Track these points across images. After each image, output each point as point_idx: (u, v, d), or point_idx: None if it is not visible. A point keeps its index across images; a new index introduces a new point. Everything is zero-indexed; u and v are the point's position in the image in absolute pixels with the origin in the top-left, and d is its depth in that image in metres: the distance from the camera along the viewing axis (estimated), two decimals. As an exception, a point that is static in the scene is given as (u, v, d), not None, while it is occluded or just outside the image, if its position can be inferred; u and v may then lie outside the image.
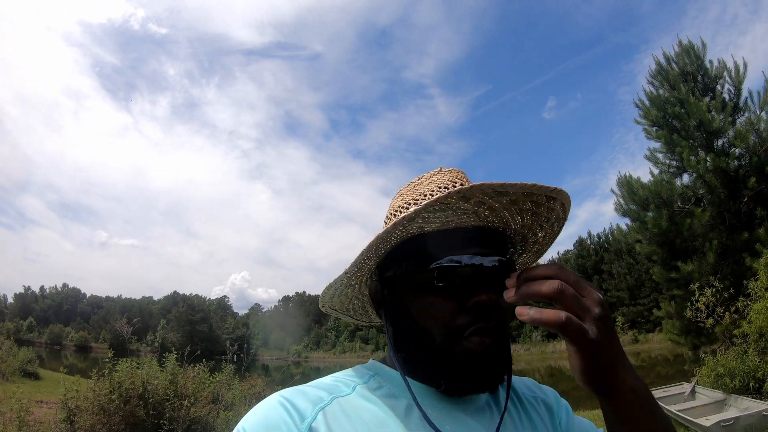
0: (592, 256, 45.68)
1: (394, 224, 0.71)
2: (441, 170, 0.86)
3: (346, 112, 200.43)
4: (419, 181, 0.86)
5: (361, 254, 0.77)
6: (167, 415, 6.66)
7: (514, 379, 0.94)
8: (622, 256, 38.09)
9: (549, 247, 0.91)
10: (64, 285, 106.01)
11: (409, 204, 0.82)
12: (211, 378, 8.06)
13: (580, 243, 49.41)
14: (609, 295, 40.72)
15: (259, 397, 9.41)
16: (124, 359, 7.19)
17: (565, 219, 0.82)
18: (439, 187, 0.81)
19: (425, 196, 0.81)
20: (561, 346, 42.39)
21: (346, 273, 0.81)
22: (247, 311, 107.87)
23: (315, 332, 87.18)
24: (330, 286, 0.86)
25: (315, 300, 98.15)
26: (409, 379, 0.77)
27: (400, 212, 0.82)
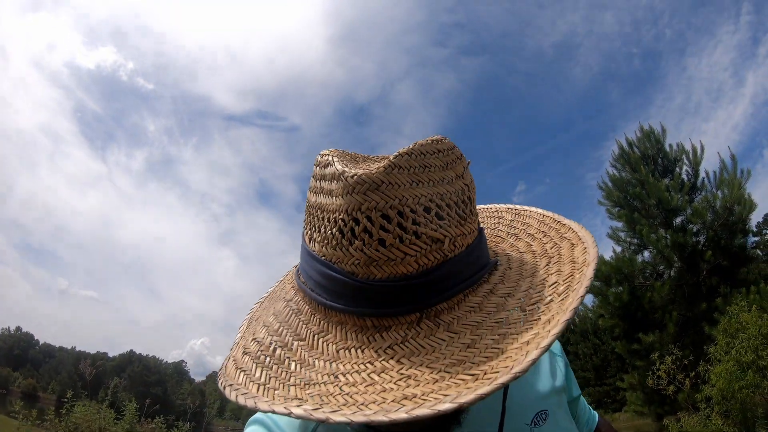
0: (559, 338, 45.92)
1: None
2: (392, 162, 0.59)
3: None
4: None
5: None
6: None
7: None
8: (588, 336, 38.42)
9: None
10: (18, 328, 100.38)
11: None
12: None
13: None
14: (576, 375, 40.68)
15: None
16: (81, 402, 7.07)
17: None
18: None
19: None
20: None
21: None
22: (204, 378, 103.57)
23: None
24: None
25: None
26: None
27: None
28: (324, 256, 0.60)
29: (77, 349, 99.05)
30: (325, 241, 0.59)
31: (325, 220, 0.60)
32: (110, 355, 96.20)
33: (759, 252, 12.46)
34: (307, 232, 0.66)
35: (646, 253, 12.51)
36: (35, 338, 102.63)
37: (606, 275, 12.44)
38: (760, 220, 50.60)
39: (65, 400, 6.83)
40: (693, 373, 9.58)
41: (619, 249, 13.21)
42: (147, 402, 8.51)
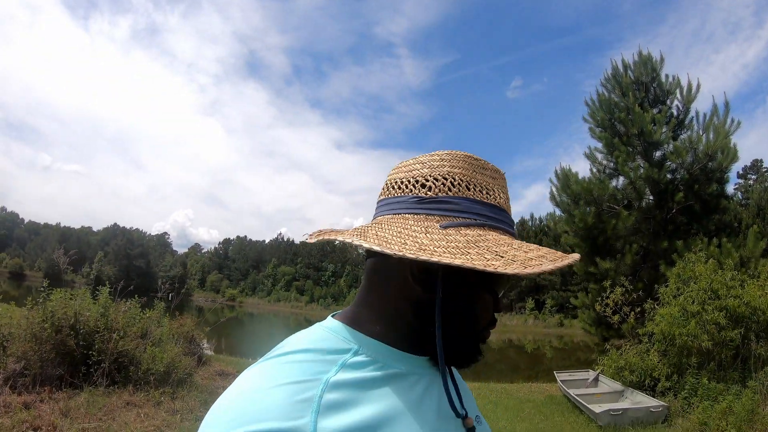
0: (531, 239, 46.99)
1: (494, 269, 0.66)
2: (494, 170, 0.84)
3: (311, 59, 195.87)
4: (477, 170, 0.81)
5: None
6: (96, 346, 6.71)
7: None
8: (559, 242, 39.31)
9: None
10: (2, 208, 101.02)
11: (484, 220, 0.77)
12: (141, 314, 8.13)
13: (521, 224, 50.67)
14: (541, 278, 42.23)
15: (187, 336, 9.50)
16: (59, 289, 7.16)
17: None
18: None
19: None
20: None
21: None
22: (186, 250, 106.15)
23: (252, 278, 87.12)
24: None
25: (255, 245, 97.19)
26: (393, 350, 0.74)
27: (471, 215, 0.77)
28: (501, 204, 0.81)
29: (62, 224, 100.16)
30: (502, 198, 0.82)
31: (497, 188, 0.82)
32: (94, 229, 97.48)
33: (730, 203, 12.36)
34: (487, 195, 0.80)
35: (620, 179, 12.28)
36: (20, 217, 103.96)
37: (576, 194, 12.36)
38: (748, 164, 50.38)
39: (41, 289, 6.88)
40: (638, 309, 9.78)
41: (594, 170, 13.08)
42: (121, 284, 8.52)
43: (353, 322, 0.76)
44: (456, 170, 0.79)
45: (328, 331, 0.74)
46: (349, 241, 0.72)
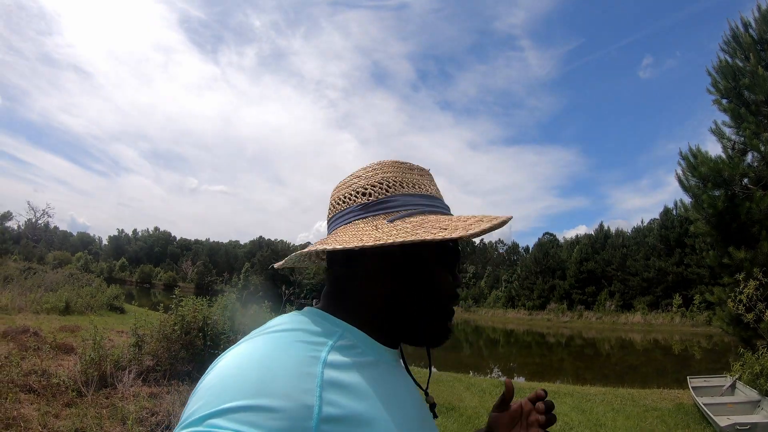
0: (677, 228, 42.85)
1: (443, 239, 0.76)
2: (421, 172, 0.94)
3: (434, 62, 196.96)
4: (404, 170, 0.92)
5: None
6: (222, 346, 7.44)
7: None
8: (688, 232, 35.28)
9: None
10: (156, 228, 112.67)
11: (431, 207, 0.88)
12: (268, 317, 8.63)
13: (665, 213, 46.35)
14: (689, 271, 38.40)
15: None
16: (192, 297, 8.26)
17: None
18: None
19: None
20: (634, 318, 40.91)
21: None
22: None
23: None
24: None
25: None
26: (369, 338, 0.80)
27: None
28: (433, 194, 0.90)
29: (211, 240, 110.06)
30: (433, 189, 0.92)
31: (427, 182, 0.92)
32: (241, 242, 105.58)
33: None
34: (419, 189, 0.89)
35: (753, 156, 10.67)
36: (172, 235, 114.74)
37: (704, 176, 10.94)
38: None
39: (173, 297, 8.05)
40: (775, 305, 8.32)
41: (721, 147, 11.48)
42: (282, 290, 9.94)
43: (331, 312, 0.81)
44: (388, 174, 0.88)
45: (311, 315, 0.78)
46: (314, 249, 0.80)
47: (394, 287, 0.82)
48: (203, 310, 7.82)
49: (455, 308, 0.87)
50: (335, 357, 0.68)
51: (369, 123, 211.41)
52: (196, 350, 7.50)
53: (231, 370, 0.61)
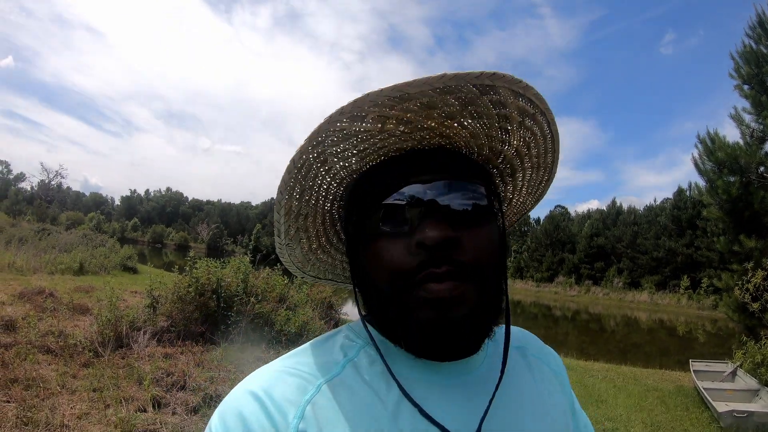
0: (689, 210, 42.39)
1: (287, 170, 0.64)
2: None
3: (452, 27, 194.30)
4: None
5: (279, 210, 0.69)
6: (235, 308, 7.72)
7: (518, 333, 0.82)
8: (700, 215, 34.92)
9: (546, 169, 0.75)
10: (168, 189, 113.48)
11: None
12: (281, 280, 8.98)
13: (679, 193, 45.82)
14: (699, 253, 38.14)
15: (325, 302, 10.54)
16: (206, 259, 8.34)
17: (545, 116, 0.65)
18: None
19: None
20: (641, 296, 40.89)
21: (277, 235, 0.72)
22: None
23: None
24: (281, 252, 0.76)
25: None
26: (389, 346, 0.67)
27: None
28: None
29: (223, 200, 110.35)
30: None
31: None
32: (253, 203, 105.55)
33: None
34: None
35: (768, 144, 10.54)
36: (184, 195, 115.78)
37: (720, 161, 10.83)
38: None
39: (188, 258, 8.16)
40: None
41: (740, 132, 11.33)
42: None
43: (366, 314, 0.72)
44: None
45: (351, 329, 0.72)
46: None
47: (357, 287, 0.71)
48: (217, 272, 7.91)
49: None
50: (339, 383, 0.63)
51: (384, 84, 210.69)
52: (210, 312, 7.62)
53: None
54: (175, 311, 7.45)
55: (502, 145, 0.68)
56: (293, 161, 0.63)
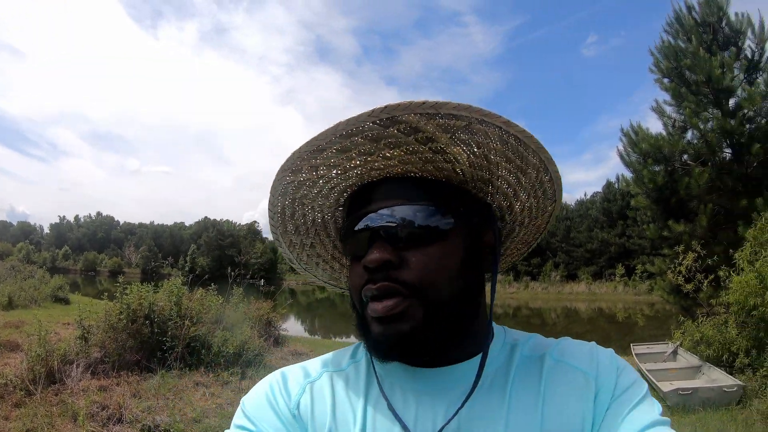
0: (618, 201, 44.27)
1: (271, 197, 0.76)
2: None
3: (378, 37, 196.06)
4: None
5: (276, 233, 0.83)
6: (170, 333, 7.42)
7: (542, 341, 0.80)
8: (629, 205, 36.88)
9: (524, 171, 0.73)
10: (98, 213, 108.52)
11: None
12: (216, 300, 8.82)
13: (607, 186, 47.90)
14: (631, 242, 39.85)
15: (263, 319, 10.36)
16: (137, 283, 8.04)
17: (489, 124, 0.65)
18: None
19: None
20: (578, 287, 42.34)
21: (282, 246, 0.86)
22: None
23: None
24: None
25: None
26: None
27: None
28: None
29: (155, 222, 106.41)
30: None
31: None
32: (186, 223, 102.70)
33: None
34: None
35: (692, 134, 11.12)
36: (116, 219, 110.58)
37: (645, 152, 11.36)
38: None
39: (117, 284, 7.82)
40: (712, 276, 8.78)
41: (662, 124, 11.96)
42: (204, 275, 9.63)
43: None
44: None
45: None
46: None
47: None
48: (149, 296, 7.64)
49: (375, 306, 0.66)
50: (340, 375, 0.77)
51: (313, 98, 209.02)
52: (144, 339, 7.34)
53: None
54: (108, 341, 7.16)
55: (449, 165, 0.68)
56: (269, 212, 0.78)
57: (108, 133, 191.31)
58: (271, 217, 0.79)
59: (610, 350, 0.74)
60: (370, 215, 0.67)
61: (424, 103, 0.59)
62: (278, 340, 10.82)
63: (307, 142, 0.64)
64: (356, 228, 0.68)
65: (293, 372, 0.78)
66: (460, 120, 0.62)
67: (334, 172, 0.70)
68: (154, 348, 7.33)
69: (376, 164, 0.68)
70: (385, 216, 0.66)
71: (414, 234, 0.65)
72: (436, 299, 0.65)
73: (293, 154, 0.66)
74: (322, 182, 0.73)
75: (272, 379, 0.77)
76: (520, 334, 0.79)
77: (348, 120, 0.61)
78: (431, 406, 0.69)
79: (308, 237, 0.84)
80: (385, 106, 0.59)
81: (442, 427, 0.66)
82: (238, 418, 0.72)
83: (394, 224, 0.65)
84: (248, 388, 3.55)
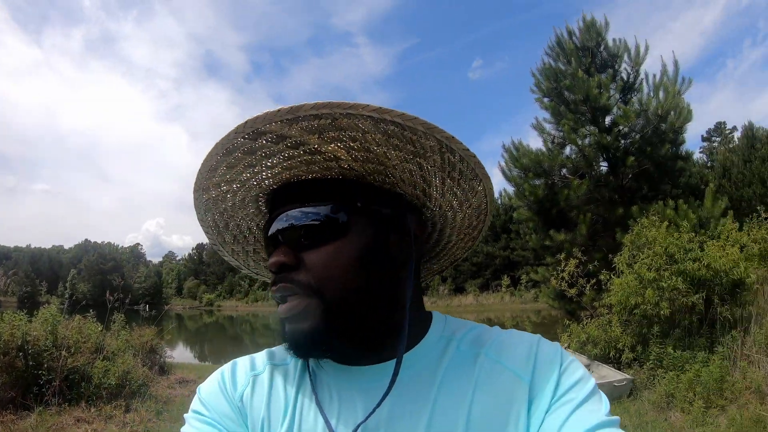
0: (502, 216, 46.57)
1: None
2: None
3: (269, 54, 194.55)
4: None
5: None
6: (45, 365, 6.81)
7: (483, 333, 0.75)
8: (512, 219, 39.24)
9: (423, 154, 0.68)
10: None
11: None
12: (94, 328, 8.12)
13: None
14: (515, 254, 42.14)
15: (145, 347, 9.81)
16: (11, 312, 7.29)
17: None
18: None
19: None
20: (466, 300, 43.99)
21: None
22: (161, 259, 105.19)
23: (229, 280, 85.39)
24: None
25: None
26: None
27: None
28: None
29: (32, 246, 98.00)
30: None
31: None
32: (66, 246, 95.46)
33: (688, 164, 12.03)
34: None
35: (571, 149, 11.96)
36: None
37: (525, 167, 12.03)
38: (712, 126, 52.67)
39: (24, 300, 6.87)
40: (594, 281, 9.42)
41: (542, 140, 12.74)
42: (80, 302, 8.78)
43: None
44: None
45: None
46: None
47: None
48: (21, 326, 6.94)
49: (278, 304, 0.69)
50: (283, 369, 0.77)
51: (201, 115, 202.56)
52: (18, 373, 6.66)
53: None
54: None
55: (334, 162, 0.68)
56: (202, 227, 0.83)
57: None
58: (205, 232, 0.83)
59: (555, 345, 0.70)
60: (274, 220, 0.70)
61: (279, 110, 0.60)
62: (164, 368, 10.17)
63: (202, 162, 0.69)
64: (266, 234, 0.71)
65: (242, 363, 0.79)
66: (323, 119, 0.61)
67: (235, 186, 0.73)
68: (29, 383, 6.69)
69: (264, 174, 0.70)
70: (282, 220, 0.68)
71: (308, 234, 0.66)
72: (333, 297, 0.65)
73: (197, 173, 0.71)
74: (230, 196, 0.75)
75: (224, 368, 0.78)
76: (460, 325, 0.76)
77: (221, 139, 0.64)
78: (352, 404, 0.68)
79: (248, 244, 0.87)
80: (246, 121, 0.61)
81: (359, 425, 0.65)
82: (194, 404, 0.75)
83: (287, 227, 0.68)
84: (133, 422, 6.46)
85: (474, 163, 0.69)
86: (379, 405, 0.65)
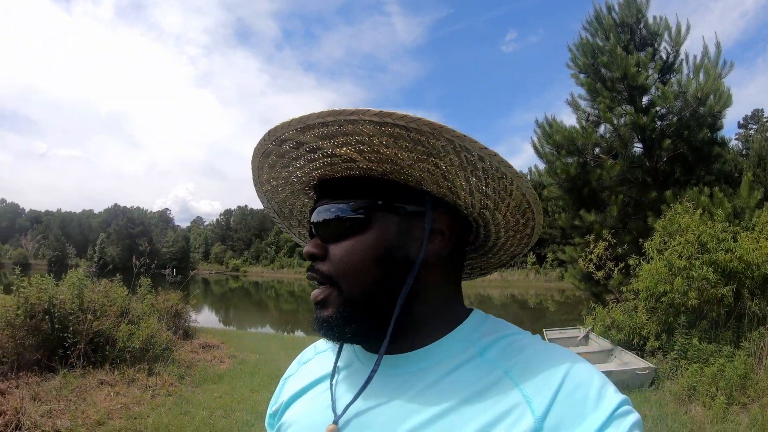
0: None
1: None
2: None
3: (300, 22, 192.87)
4: None
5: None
6: (71, 328, 6.92)
7: (494, 327, 0.73)
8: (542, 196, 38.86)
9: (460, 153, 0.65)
10: (2, 200, 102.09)
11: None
12: (120, 292, 8.25)
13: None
14: (543, 231, 41.72)
15: (170, 311, 9.98)
16: (42, 276, 7.37)
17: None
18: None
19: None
20: (492, 275, 43.75)
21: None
22: (189, 224, 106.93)
23: (255, 246, 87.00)
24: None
25: (257, 213, 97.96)
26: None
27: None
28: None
29: (63, 210, 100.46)
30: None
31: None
32: (96, 211, 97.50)
33: (725, 151, 11.52)
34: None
35: (606, 128, 11.59)
36: (21, 207, 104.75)
37: (559, 144, 11.70)
38: (749, 113, 50.53)
39: (14, 276, 7.33)
40: (622, 264, 9.23)
41: (577, 119, 12.39)
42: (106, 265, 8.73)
43: None
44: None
45: None
46: None
47: None
48: (48, 289, 7.04)
49: (312, 287, 0.74)
50: (325, 356, 0.84)
51: (230, 82, 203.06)
52: (44, 336, 6.78)
53: None
54: (5, 339, 6.53)
55: (352, 164, 0.70)
56: (270, 214, 0.90)
57: (12, 112, 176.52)
58: (273, 218, 0.90)
59: (591, 372, 0.61)
60: (313, 212, 0.73)
61: (291, 121, 0.65)
62: (188, 332, 10.34)
63: (251, 162, 0.77)
64: (309, 223, 0.75)
65: (306, 350, 0.90)
66: (330, 126, 0.64)
67: (281, 182, 0.79)
68: (55, 345, 6.82)
69: (298, 173, 0.76)
70: (316, 213, 0.72)
71: (333, 228, 0.69)
72: (350, 288, 0.68)
73: (252, 169, 0.78)
74: (281, 189, 0.81)
75: (304, 350, 0.91)
76: (496, 329, 0.71)
77: (257, 145, 0.72)
78: (352, 391, 0.71)
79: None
80: (268, 131, 0.68)
81: (346, 407, 0.68)
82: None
83: (319, 221, 0.71)
84: (156, 385, 6.90)
85: (498, 161, 0.65)
86: (359, 393, 0.68)
